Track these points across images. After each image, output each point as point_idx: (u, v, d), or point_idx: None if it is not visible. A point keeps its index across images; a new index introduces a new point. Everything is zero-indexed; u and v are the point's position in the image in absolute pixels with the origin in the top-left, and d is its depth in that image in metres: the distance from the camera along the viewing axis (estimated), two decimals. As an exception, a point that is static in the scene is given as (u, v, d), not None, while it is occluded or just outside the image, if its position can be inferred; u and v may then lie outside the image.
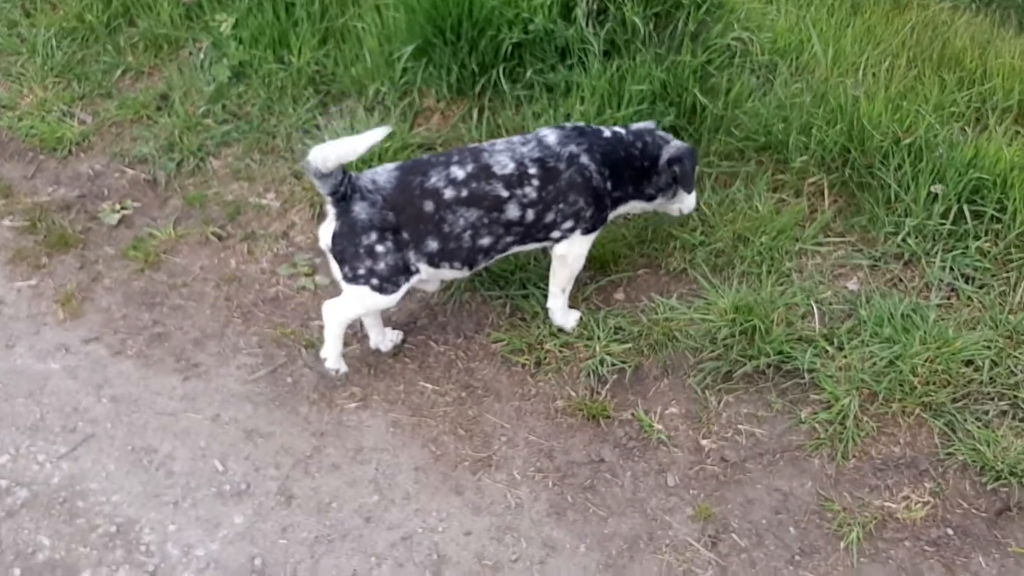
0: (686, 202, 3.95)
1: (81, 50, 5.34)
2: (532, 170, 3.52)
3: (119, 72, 5.23)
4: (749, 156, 4.38)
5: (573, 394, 3.75)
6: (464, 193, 3.47)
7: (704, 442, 3.58)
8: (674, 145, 3.76)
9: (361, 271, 3.49)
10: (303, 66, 4.98)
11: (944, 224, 3.99)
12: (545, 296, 3.94)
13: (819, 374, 3.65)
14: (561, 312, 3.92)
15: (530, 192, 3.53)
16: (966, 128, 4.33)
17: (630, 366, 3.79)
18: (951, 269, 3.93)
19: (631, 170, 3.70)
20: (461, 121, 4.79)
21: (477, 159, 3.52)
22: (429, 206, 3.46)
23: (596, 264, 4.13)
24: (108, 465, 3.54)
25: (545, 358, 3.86)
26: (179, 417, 3.71)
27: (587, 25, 4.60)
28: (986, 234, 3.98)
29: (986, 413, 3.55)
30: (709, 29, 4.56)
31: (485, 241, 3.56)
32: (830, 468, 3.50)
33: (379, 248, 3.46)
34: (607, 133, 3.68)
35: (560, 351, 3.87)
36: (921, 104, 4.31)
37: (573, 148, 3.56)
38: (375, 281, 3.50)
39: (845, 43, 4.74)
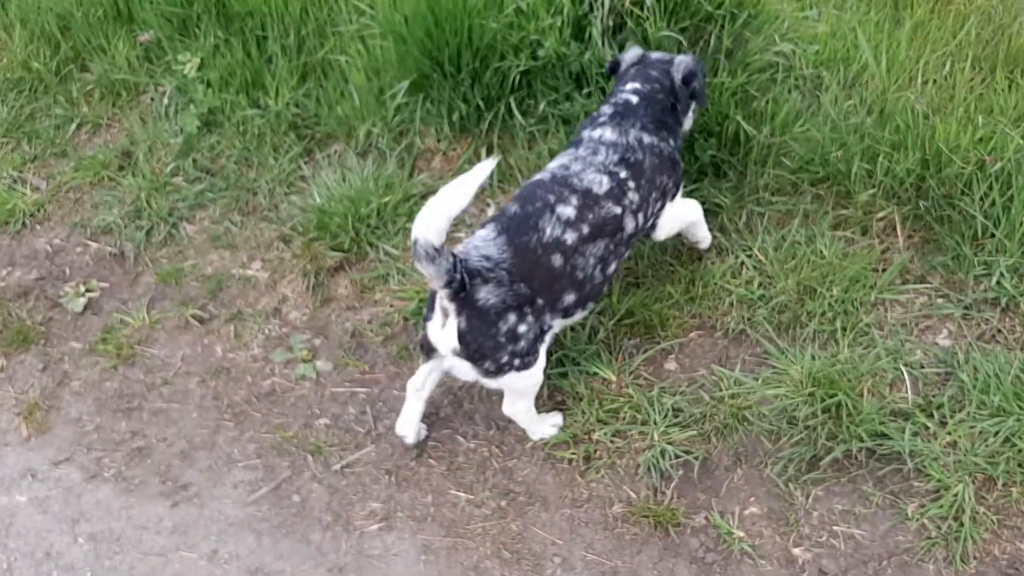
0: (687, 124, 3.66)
1: (29, 103, 4.73)
2: (623, 174, 3.20)
3: (74, 126, 4.63)
4: (805, 190, 3.82)
5: (633, 495, 3.20)
6: (586, 230, 3.07)
7: (796, 551, 3.03)
8: (679, 62, 3.46)
9: (504, 359, 2.99)
10: (282, 109, 4.39)
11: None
12: (587, 372, 3.41)
13: (924, 457, 3.10)
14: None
15: (633, 197, 3.21)
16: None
17: (696, 457, 3.23)
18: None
19: (672, 115, 3.45)
20: (468, 163, 4.21)
21: (572, 187, 3.12)
22: (558, 260, 3.03)
23: (641, 328, 3.57)
24: (90, 629, 2.97)
25: (595, 451, 3.30)
26: (170, 557, 3.14)
27: (604, 45, 4.03)
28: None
29: (1126, 496, 3.01)
30: (746, 44, 3.98)
31: (612, 267, 3.24)
32: (948, 574, 2.95)
33: (521, 328, 2.98)
34: (634, 99, 3.38)
35: (611, 441, 3.31)
36: (999, 117, 3.75)
37: (635, 133, 3.28)
38: (517, 362, 3.02)
39: (897, 47, 4.16)
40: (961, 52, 4.21)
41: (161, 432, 3.51)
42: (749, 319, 3.55)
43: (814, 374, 3.26)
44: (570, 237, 3.03)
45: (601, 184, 3.14)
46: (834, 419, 3.19)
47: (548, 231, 3.01)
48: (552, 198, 3.08)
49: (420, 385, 3.27)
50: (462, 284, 2.83)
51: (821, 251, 3.61)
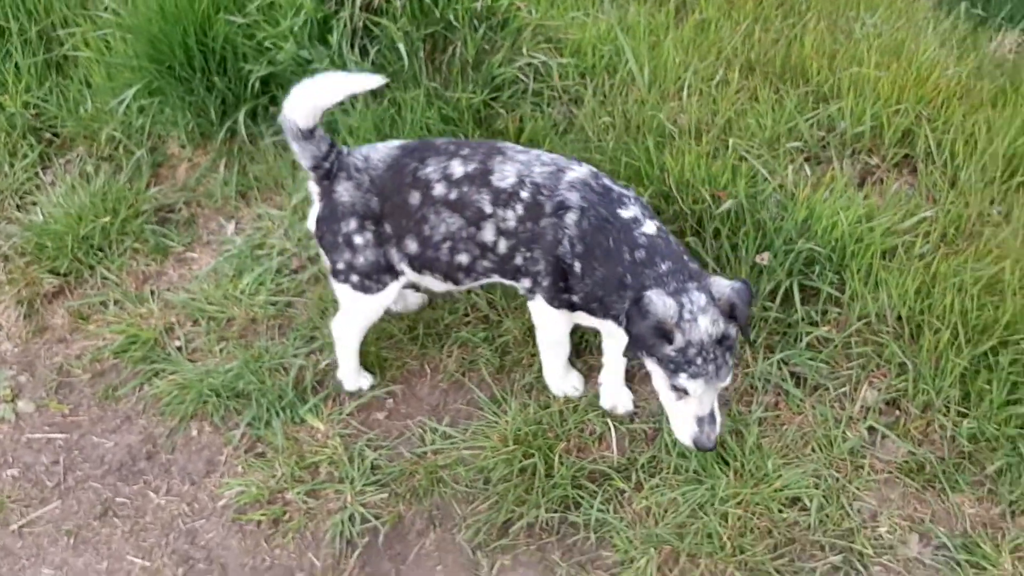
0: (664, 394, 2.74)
1: None
2: (524, 193, 2.81)
3: None
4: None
5: (317, 564, 3.01)
6: (453, 195, 2.85)
7: (469, 628, 2.88)
8: (680, 299, 2.57)
9: (340, 265, 2.97)
10: (19, 111, 4.06)
11: (771, 307, 3.25)
12: (293, 420, 3.21)
13: (610, 528, 2.94)
14: (555, 379, 3.23)
15: (510, 218, 2.83)
16: (805, 166, 3.56)
17: (385, 522, 3.05)
18: (780, 365, 3.21)
19: (607, 268, 2.72)
20: (211, 172, 3.94)
21: (485, 160, 2.86)
22: (415, 198, 2.88)
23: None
24: None
25: (285, 513, 3.10)
26: None
27: (347, 48, 3.73)
28: (823, 320, 3.25)
29: (814, 571, 2.87)
30: (491, 57, 3.70)
31: (463, 259, 2.94)
32: (621, 655, 2.82)
33: (357, 239, 2.93)
34: (626, 214, 2.72)
35: (304, 502, 3.11)
36: (750, 140, 3.53)
37: (572, 197, 2.75)
38: (355, 278, 2.98)
39: (666, 53, 3.90)
40: (737, 59, 3.97)
41: None
42: (470, 362, 3.35)
43: (517, 431, 3.07)
44: (438, 189, 2.85)
45: (503, 179, 2.81)
46: (528, 481, 3.01)
47: (428, 170, 2.87)
48: (464, 152, 2.89)
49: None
50: (329, 172, 2.89)
51: (550, 288, 3.39)
